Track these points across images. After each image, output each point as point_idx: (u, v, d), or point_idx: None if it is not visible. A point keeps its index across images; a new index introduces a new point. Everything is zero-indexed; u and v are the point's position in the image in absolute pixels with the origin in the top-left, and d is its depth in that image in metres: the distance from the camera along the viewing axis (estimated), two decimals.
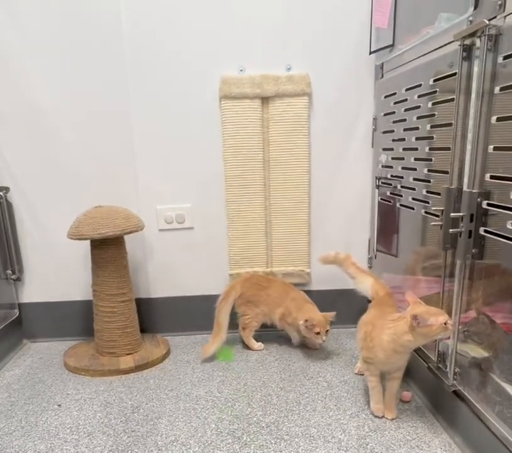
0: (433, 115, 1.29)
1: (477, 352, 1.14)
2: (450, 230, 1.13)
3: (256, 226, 1.87)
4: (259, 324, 1.83)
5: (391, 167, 1.61)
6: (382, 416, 1.36)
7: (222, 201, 1.87)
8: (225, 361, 1.41)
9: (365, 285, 1.58)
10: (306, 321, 1.64)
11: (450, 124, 1.17)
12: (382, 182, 1.70)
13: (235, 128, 1.77)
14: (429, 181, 1.33)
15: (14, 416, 1.44)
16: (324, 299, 1.79)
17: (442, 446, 1.22)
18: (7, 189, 1.83)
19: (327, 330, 1.68)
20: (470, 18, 1.06)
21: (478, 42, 1.03)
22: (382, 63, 1.67)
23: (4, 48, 1.71)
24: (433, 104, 1.28)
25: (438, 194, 1.25)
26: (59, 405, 1.49)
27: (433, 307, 1.22)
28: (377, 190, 1.75)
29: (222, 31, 1.72)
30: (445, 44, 1.20)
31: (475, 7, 1.04)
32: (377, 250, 1.81)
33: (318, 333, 1.65)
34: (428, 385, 1.41)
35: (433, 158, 1.31)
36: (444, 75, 1.20)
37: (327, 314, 1.69)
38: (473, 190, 1.07)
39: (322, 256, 1.74)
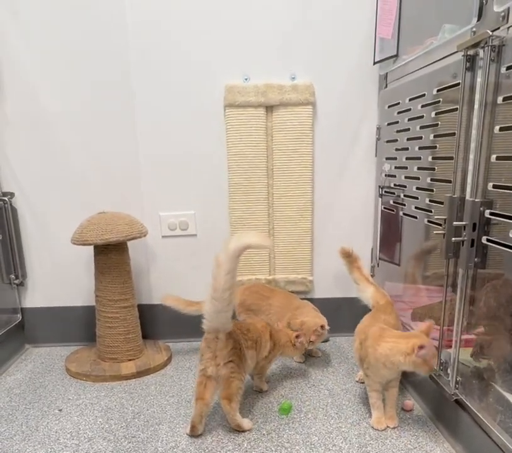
0: (436, 125, 1.30)
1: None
2: (453, 239, 1.13)
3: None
4: None
5: (394, 176, 1.62)
6: (384, 429, 1.35)
7: (225, 208, 1.88)
8: (284, 413, 1.42)
9: (366, 294, 1.60)
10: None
11: (453, 134, 1.18)
12: (385, 191, 1.71)
13: (239, 136, 1.79)
14: (432, 190, 1.34)
15: (15, 420, 1.44)
16: (327, 307, 1.79)
17: None
18: (12, 195, 1.84)
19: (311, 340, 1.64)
20: (474, 29, 1.07)
21: (481, 53, 1.04)
22: (386, 73, 1.69)
23: (11, 53, 1.73)
24: (436, 113, 1.29)
25: (441, 203, 1.26)
26: (60, 410, 1.50)
27: (434, 348, 1.25)
28: (380, 199, 1.76)
29: (227, 40, 1.74)
30: (449, 55, 1.21)
31: (479, 18, 1.06)
32: (379, 259, 1.81)
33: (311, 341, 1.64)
34: (429, 394, 1.41)
35: (436, 168, 1.31)
36: (447, 85, 1.22)
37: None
38: (476, 200, 1.08)
39: (343, 248, 1.70)
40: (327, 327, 1.65)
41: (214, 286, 1.26)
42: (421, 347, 1.20)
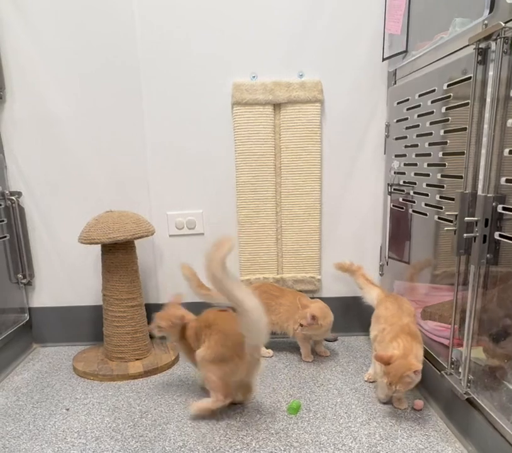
0: (447, 120, 1.28)
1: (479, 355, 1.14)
2: (464, 235, 1.12)
3: (267, 232, 1.86)
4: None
5: (404, 173, 1.60)
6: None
7: (233, 206, 1.87)
8: (292, 413, 1.41)
9: (371, 295, 1.68)
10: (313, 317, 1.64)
11: (464, 129, 1.17)
12: (394, 189, 1.69)
13: (247, 134, 1.78)
14: (442, 186, 1.32)
15: (22, 419, 1.43)
16: (335, 307, 1.77)
17: None
18: (19, 194, 1.84)
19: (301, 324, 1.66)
20: (485, 22, 1.06)
21: (493, 45, 1.02)
22: (395, 70, 1.68)
23: (21, 57, 1.73)
24: (447, 109, 1.28)
25: (452, 199, 1.24)
26: (67, 409, 1.49)
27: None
28: (389, 197, 1.74)
29: (234, 38, 1.73)
30: (460, 49, 1.19)
31: (491, 11, 1.04)
32: (388, 257, 1.79)
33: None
34: (440, 393, 1.39)
35: (446, 164, 1.30)
36: (458, 79, 1.20)
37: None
38: (488, 195, 1.06)
39: (339, 263, 1.82)
40: (321, 321, 1.65)
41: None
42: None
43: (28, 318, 1.93)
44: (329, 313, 1.70)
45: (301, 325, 1.65)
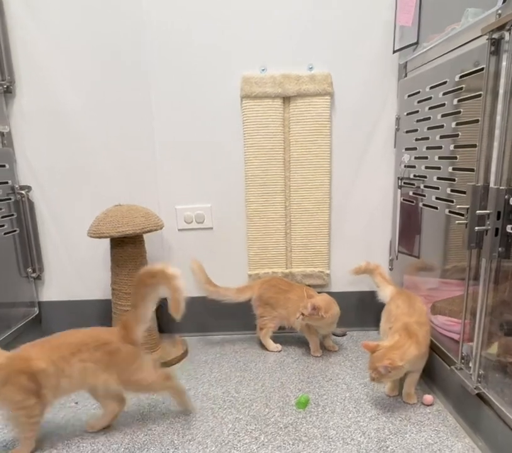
0: (459, 112, 1.26)
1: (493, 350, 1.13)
2: (476, 228, 1.10)
3: (275, 226, 1.86)
4: (276, 326, 1.81)
5: (414, 167, 1.59)
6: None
7: (242, 201, 1.86)
8: (301, 407, 1.40)
9: (385, 293, 1.66)
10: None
11: (476, 121, 1.15)
12: (405, 182, 1.68)
13: (256, 128, 1.77)
14: (453, 180, 1.31)
15: None
16: (344, 301, 1.76)
17: (465, 450, 1.19)
18: (29, 188, 1.84)
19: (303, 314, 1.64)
20: (499, 11, 1.04)
21: (507, 35, 1.01)
22: (406, 62, 1.66)
23: (30, 50, 1.73)
24: (459, 101, 1.26)
25: (463, 192, 1.23)
26: (76, 403, 1.49)
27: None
28: (399, 191, 1.73)
29: (243, 30, 1.72)
30: (472, 40, 1.18)
31: (505, 0, 1.02)
32: (398, 252, 1.78)
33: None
34: (450, 388, 1.38)
35: (458, 156, 1.28)
36: (471, 71, 1.18)
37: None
38: (501, 187, 1.05)
39: (355, 268, 1.79)
40: (322, 312, 1.63)
41: None
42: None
43: (38, 311, 1.94)
44: (334, 306, 1.69)
45: (302, 314, 1.64)
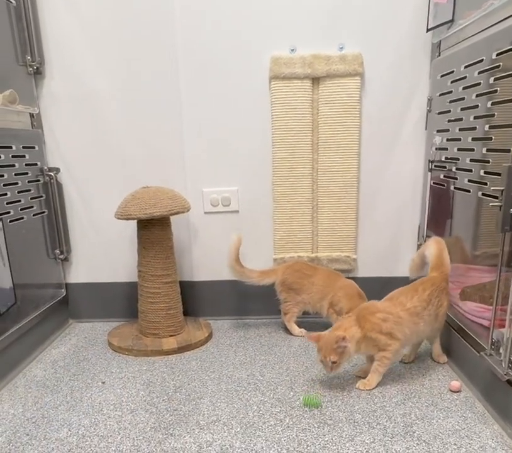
0: (495, 91, 1.22)
1: None
2: (511, 210, 1.07)
3: (302, 210, 1.84)
4: (300, 311, 1.80)
5: (446, 149, 1.55)
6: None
7: (269, 183, 1.84)
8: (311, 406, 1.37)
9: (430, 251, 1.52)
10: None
11: None
12: (436, 165, 1.64)
13: (284, 109, 1.74)
14: (488, 161, 1.27)
15: (60, 391, 1.46)
16: (370, 287, 1.74)
17: (493, 437, 1.17)
18: (57, 170, 1.85)
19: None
20: None
21: None
22: (440, 41, 1.61)
23: (60, 31, 1.73)
24: (495, 79, 1.22)
25: (498, 174, 1.19)
26: (103, 382, 1.51)
27: None
28: (429, 174, 1.69)
29: (273, 10, 1.68)
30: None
31: None
32: (427, 236, 1.74)
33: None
34: (479, 374, 1.35)
35: (493, 137, 1.24)
36: (509, 48, 1.14)
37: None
38: None
39: (410, 269, 1.63)
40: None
41: None
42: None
43: (65, 293, 1.96)
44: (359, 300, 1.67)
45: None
